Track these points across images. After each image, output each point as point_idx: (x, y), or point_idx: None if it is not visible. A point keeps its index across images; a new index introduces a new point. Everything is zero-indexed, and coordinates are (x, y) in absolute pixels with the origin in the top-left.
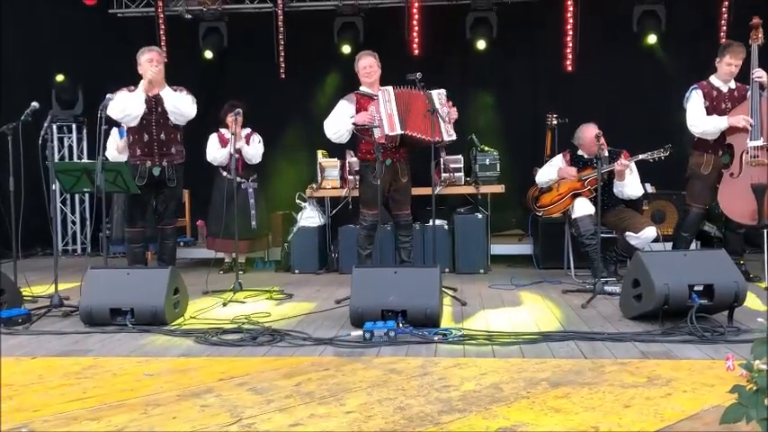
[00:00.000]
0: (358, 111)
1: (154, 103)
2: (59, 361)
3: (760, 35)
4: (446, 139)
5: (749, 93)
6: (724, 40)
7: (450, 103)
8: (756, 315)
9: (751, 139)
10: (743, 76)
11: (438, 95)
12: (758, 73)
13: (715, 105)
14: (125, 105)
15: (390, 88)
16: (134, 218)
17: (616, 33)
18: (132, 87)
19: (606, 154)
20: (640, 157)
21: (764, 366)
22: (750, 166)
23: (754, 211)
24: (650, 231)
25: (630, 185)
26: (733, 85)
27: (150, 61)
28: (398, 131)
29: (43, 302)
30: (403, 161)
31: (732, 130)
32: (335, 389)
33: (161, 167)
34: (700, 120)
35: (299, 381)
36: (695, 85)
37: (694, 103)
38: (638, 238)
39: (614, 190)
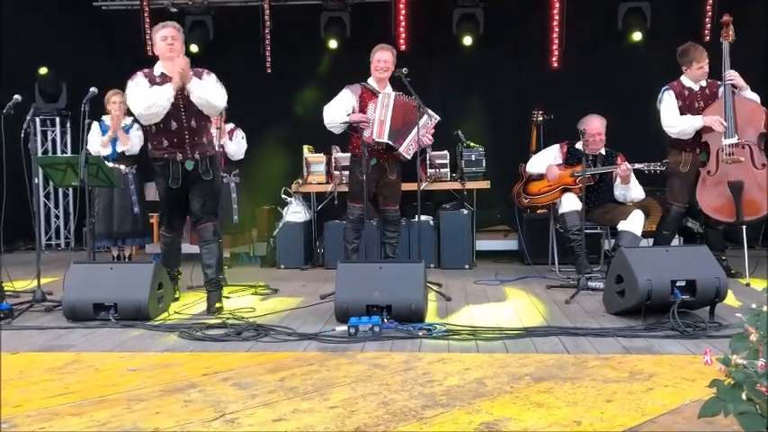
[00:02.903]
0: (360, 104)
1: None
2: (41, 356)
3: (731, 32)
4: (401, 152)
5: (720, 91)
6: (708, 38)
7: (432, 132)
8: (737, 311)
9: (725, 137)
10: (717, 74)
11: (427, 118)
12: (730, 75)
13: (688, 105)
14: (153, 101)
15: (393, 94)
16: (172, 224)
17: (602, 30)
18: (147, 70)
19: (603, 153)
20: (637, 166)
21: (742, 361)
22: (726, 163)
23: (733, 207)
24: (638, 214)
25: (635, 189)
26: (704, 83)
27: (164, 39)
28: (384, 140)
29: (26, 297)
30: (391, 160)
31: (707, 129)
32: (319, 384)
33: (194, 160)
34: (675, 120)
35: (283, 376)
36: (667, 86)
37: (667, 104)
38: (630, 221)
39: (615, 193)
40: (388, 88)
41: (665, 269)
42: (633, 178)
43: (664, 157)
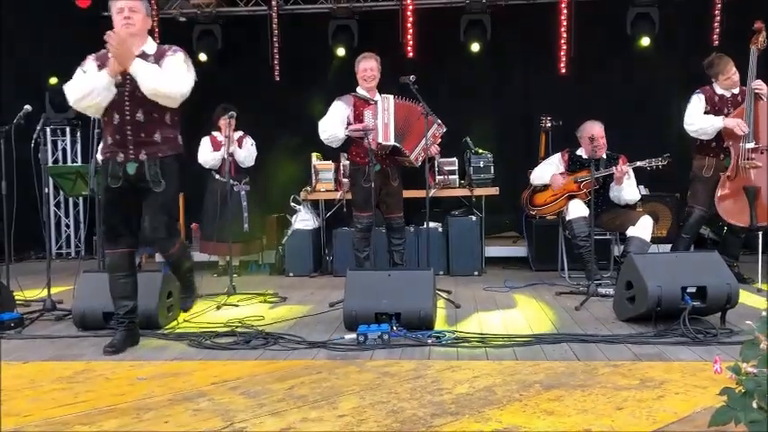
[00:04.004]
0: (354, 114)
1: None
2: (51, 365)
3: (761, 39)
4: (411, 159)
5: (746, 98)
6: (716, 42)
7: (439, 141)
8: (749, 317)
9: (745, 142)
10: (743, 78)
11: (437, 127)
12: (757, 84)
13: (717, 110)
14: (86, 92)
15: (391, 97)
16: (114, 235)
17: (610, 35)
18: (103, 52)
19: (604, 156)
20: (638, 164)
21: (752, 369)
22: (744, 168)
23: (748, 212)
24: (647, 219)
25: (628, 191)
26: (737, 90)
27: (120, 12)
28: (392, 143)
29: (36, 306)
30: (393, 166)
31: (729, 133)
32: (328, 392)
33: (138, 162)
34: (693, 118)
35: (292, 384)
36: (699, 90)
37: (693, 104)
38: (638, 227)
39: (610, 194)
40: (378, 96)
41: (675, 275)
42: (629, 180)
43: (678, 165)
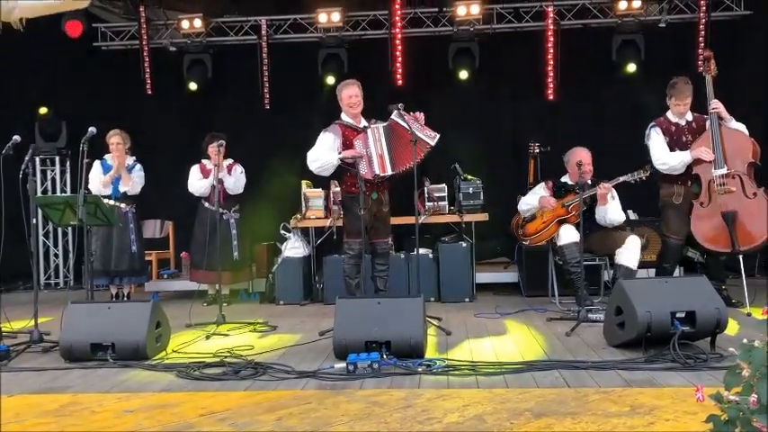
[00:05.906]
0: (343, 143)
1: None
2: (37, 398)
3: (712, 66)
4: (432, 143)
5: (708, 123)
6: (701, 68)
7: (411, 112)
8: (738, 341)
9: (715, 168)
10: (700, 106)
11: (399, 116)
12: (714, 104)
13: (675, 140)
14: None
15: (380, 126)
16: None
17: (596, 62)
18: None
19: (588, 182)
20: (621, 179)
21: (734, 397)
22: (719, 194)
23: (728, 238)
24: (634, 240)
25: (612, 210)
26: (690, 117)
27: None
28: (389, 172)
29: (23, 338)
30: (386, 192)
31: (697, 161)
32: (317, 423)
33: None
34: (665, 157)
35: (281, 415)
36: (653, 123)
37: (655, 141)
38: (627, 248)
39: (596, 216)
40: (363, 121)
41: (664, 300)
42: (612, 200)
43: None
